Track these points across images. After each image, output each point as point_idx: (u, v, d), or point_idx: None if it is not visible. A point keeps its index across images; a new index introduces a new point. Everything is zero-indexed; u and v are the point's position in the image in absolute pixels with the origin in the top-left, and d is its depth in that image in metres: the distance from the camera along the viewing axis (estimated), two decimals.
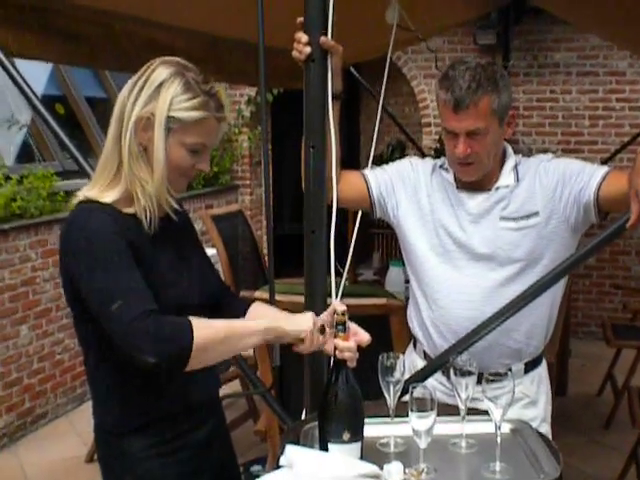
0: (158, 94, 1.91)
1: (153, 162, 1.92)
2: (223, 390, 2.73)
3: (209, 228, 5.44)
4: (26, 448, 5.17)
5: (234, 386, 4.90)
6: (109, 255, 1.85)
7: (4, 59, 2.74)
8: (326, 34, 2.26)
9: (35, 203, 5.46)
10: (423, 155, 5.67)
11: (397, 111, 8.20)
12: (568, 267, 2.29)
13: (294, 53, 2.29)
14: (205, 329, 1.85)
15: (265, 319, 2.04)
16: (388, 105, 7.52)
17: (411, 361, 2.65)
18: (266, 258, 8.33)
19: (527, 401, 2.55)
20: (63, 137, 2.88)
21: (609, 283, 7.44)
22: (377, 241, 7.83)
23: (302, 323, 1.99)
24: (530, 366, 2.57)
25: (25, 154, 6.48)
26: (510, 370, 2.41)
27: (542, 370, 2.64)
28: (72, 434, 5.33)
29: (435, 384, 2.50)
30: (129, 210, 1.95)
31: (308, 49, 2.25)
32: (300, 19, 2.28)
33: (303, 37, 2.27)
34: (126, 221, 1.92)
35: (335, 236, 2.30)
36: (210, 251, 6.36)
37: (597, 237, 2.22)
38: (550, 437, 2.57)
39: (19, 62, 6.24)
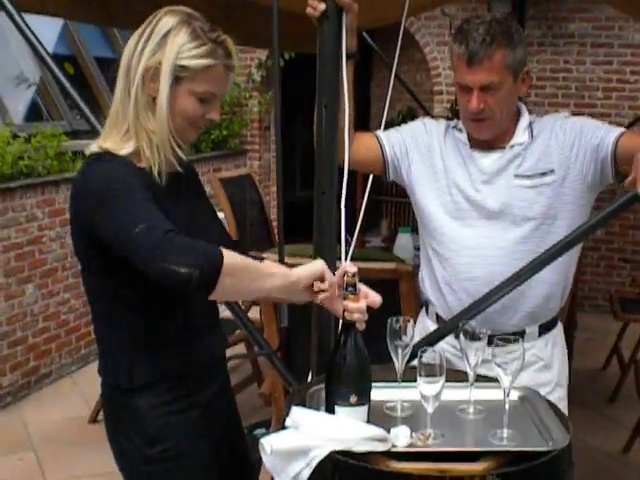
0: (165, 43, 1.90)
1: (157, 111, 1.91)
2: (227, 354, 2.71)
3: (217, 191, 5.41)
4: (30, 407, 5.17)
5: (239, 350, 4.90)
6: (127, 190, 1.83)
7: (17, 17, 2.70)
8: None
9: (43, 162, 5.43)
10: None
11: (408, 78, 8.11)
12: (584, 232, 2.28)
13: (308, 10, 2.24)
14: (234, 256, 1.80)
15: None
16: (399, 72, 7.42)
17: (423, 327, 2.63)
18: (274, 223, 8.32)
19: (541, 364, 2.53)
20: (75, 96, 2.84)
21: (618, 257, 7.40)
22: (385, 208, 7.79)
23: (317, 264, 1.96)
24: (544, 328, 2.54)
25: (33, 113, 6.45)
26: (523, 333, 2.42)
27: (557, 333, 2.61)
28: (76, 394, 5.33)
29: (445, 346, 2.48)
30: (141, 165, 1.93)
31: (323, 6, 2.20)
32: None
33: None
34: (141, 175, 1.90)
35: (345, 200, 2.26)
36: (218, 215, 6.36)
37: (613, 202, 2.20)
38: (566, 401, 2.56)
39: (29, 20, 6.23)
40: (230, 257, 1.78)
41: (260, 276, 1.86)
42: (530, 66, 7.49)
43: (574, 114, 2.58)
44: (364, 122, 8.80)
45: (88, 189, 1.87)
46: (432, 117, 2.77)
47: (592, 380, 5.75)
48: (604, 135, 2.35)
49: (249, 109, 8.34)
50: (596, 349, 6.17)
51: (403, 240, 4.24)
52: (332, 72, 2.24)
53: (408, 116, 8.35)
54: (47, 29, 6.79)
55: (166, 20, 1.92)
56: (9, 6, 2.65)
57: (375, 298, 1.96)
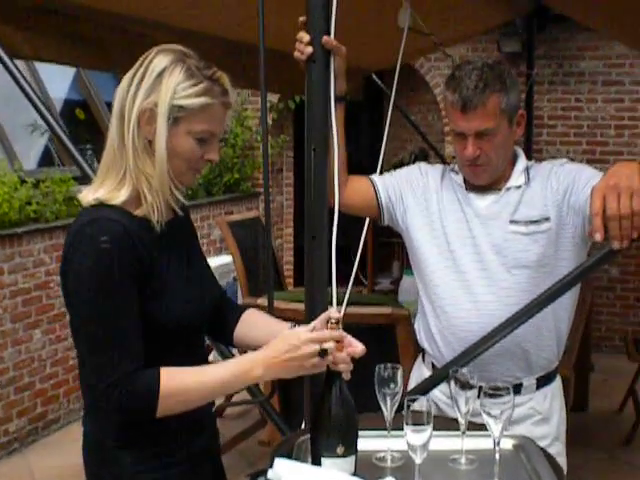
0: (160, 83, 1.83)
1: (155, 154, 1.84)
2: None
3: (225, 234, 5.39)
4: (37, 453, 5.14)
5: (243, 396, 4.83)
6: (109, 290, 1.78)
7: (9, 63, 2.70)
8: (329, 34, 2.20)
9: (51, 207, 5.45)
10: (445, 164, 5.59)
11: (420, 119, 8.12)
12: (575, 278, 2.22)
13: (296, 54, 2.23)
14: (173, 394, 1.82)
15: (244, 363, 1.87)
16: (411, 113, 7.44)
17: (420, 374, 2.59)
18: (285, 266, 8.30)
19: (539, 418, 2.46)
20: (65, 141, 2.82)
21: (633, 296, 7.31)
22: (397, 250, 7.74)
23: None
24: (542, 381, 2.48)
25: (46, 159, 6.50)
26: (520, 386, 2.38)
27: (556, 386, 2.55)
28: None
29: (439, 395, 2.43)
30: (137, 212, 1.87)
31: (310, 49, 2.19)
32: (302, 18, 2.21)
33: (305, 37, 2.20)
34: (137, 225, 1.85)
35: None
36: (227, 258, 6.32)
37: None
38: (564, 457, 2.50)
39: (41, 66, 6.27)
40: (169, 399, 1.81)
41: (204, 398, 1.90)
42: (541, 105, 7.42)
43: (586, 152, 2.54)
44: (377, 162, 8.78)
45: (77, 264, 1.81)
46: (444, 163, 2.73)
47: (608, 422, 5.65)
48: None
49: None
50: (613, 391, 6.06)
51: (407, 283, 4.18)
52: (321, 115, 2.22)
53: (420, 156, 8.35)
54: (60, 75, 6.88)
55: (159, 59, 1.86)
56: (1, 52, 2.64)
57: (357, 348, 1.88)
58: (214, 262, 6.57)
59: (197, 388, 1.85)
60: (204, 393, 1.87)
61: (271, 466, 1.82)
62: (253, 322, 2.10)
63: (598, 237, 1.99)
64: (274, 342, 1.84)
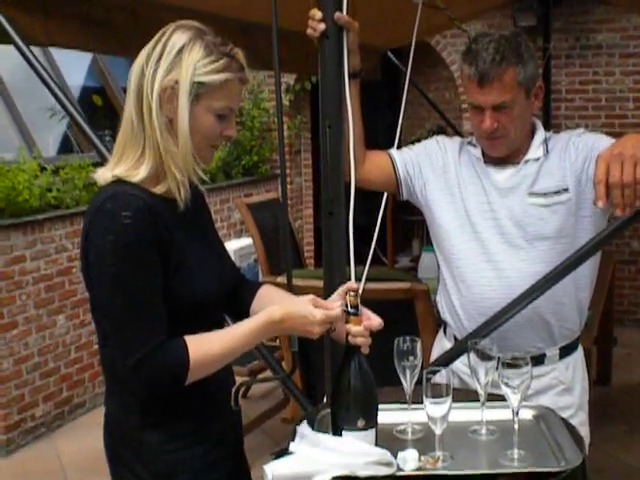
0: (180, 60, 1.83)
1: (178, 132, 1.84)
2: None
3: (244, 216, 5.40)
4: (63, 437, 5.20)
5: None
6: (134, 264, 1.78)
7: (25, 49, 2.71)
8: (341, 10, 2.20)
9: (71, 193, 5.48)
10: None
11: (437, 96, 8.08)
12: (587, 251, 2.22)
13: (308, 30, 2.23)
14: (201, 362, 1.84)
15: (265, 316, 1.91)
16: (428, 90, 7.40)
17: (441, 347, 2.60)
18: (306, 247, 8.31)
19: (562, 388, 2.47)
20: (84, 126, 2.83)
21: None
22: (417, 229, 7.74)
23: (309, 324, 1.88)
24: (565, 351, 2.49)
25: (65, 145, 6.53)
26: (544, 357, 2.38)
27: (578, 356, 2.55)
28: None
29: (461, 367, 2.43)
30: (156, 190, 1.87)
31: (322, 26, 2.19)
32: None
33: (317, 13, 2.21)
34: (156, 202, 1.85)
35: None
36: (247, 240, 6.33)
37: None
38: (587, 426, 2.50)
39: (58, 54, 6.28)
40: (197, 369, 1.83)
41: (231, 355, 1.90)
42: (559, 79, 7.34)
43: (605, 126, 2.53)
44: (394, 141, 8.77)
45: (98, 241, 1.80)
46: (446, 136, 2.73)
47: (631, 396, 5.63)
48: None
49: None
50: (636, 364, 6.08)
51: (427, 259, 4.19)
52: (334, 92, 2.22)
53: (439, 134, 8.30)
54: (77, 62, 6.90)
55: (177, 36, 1.85)
56: (17, 39, 2.65)
57: (374, 322, 1.90)
58: (235, 245, 6.60)
59: (222, 343, 1.86)
60: (230, 347, 1.87)
61: (293, 439, 1.83)
62: (269, 297, 2.10)
63: (600, 204, 2.00)
64: (296, 307, 1.88)
